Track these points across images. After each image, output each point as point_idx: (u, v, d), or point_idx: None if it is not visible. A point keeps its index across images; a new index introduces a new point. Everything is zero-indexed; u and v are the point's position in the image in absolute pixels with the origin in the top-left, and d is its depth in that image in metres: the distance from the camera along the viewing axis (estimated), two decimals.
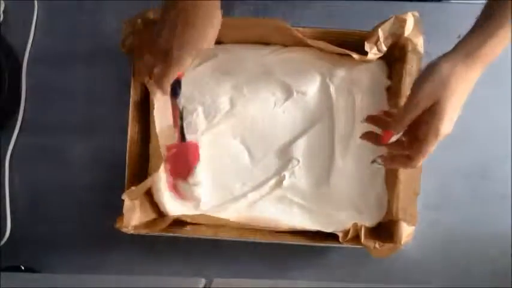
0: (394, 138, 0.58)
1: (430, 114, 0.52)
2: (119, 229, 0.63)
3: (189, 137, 0.66)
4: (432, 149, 0.54)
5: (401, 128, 0.55)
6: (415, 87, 0.53)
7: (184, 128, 0.66)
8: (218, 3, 0.57)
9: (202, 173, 0.68)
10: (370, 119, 0.61)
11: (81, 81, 0.73)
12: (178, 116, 0.65)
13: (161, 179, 0.67)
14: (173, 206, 0.68)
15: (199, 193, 0.68)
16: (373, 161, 0.60)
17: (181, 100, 0.65)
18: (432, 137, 0.53)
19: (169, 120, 0.66)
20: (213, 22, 0.57)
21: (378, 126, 0.60)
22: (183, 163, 0.67)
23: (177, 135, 0.66)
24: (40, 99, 0.73)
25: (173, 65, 0.57)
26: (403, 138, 0.57)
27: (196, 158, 0.67)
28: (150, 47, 0.59)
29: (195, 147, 0.67)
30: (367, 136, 0.60)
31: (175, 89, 0.63)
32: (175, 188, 0.68)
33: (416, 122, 0.53)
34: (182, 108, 0.65)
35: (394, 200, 0.64)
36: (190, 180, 0.67)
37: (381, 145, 0.59)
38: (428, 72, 0.52)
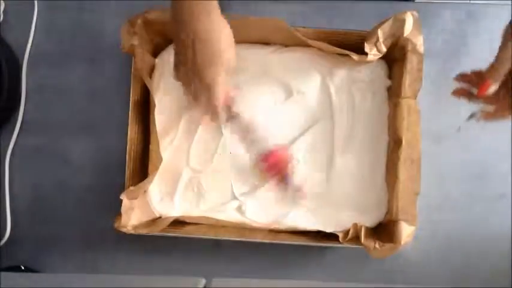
0: (490, 91, 0.56)
1: None
2: (118, 229, 0.63)
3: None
4: None
5: (499, 77, 0.54)
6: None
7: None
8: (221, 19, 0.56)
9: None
10: (462, 77, 0.59)
11: (81, 81, 0.73)
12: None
13: (154, 181, 0.67)
14: (162, 207, 0.68)
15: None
16: (471, 116, 0.57)
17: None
18: None
19: None
20: (224, 35, 0.56)
21: (470, 84, 0.58)
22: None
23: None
24: (40, 99, 0.73)
25: (210, 95, 0.58)
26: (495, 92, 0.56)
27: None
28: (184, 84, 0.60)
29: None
30: (460, 92, 0.59)
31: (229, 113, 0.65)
32: None
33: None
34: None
35: (394, 200, 0.64)
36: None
37: (476, 99, 0.57)
38: None
